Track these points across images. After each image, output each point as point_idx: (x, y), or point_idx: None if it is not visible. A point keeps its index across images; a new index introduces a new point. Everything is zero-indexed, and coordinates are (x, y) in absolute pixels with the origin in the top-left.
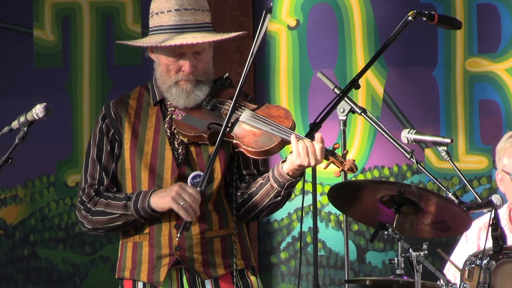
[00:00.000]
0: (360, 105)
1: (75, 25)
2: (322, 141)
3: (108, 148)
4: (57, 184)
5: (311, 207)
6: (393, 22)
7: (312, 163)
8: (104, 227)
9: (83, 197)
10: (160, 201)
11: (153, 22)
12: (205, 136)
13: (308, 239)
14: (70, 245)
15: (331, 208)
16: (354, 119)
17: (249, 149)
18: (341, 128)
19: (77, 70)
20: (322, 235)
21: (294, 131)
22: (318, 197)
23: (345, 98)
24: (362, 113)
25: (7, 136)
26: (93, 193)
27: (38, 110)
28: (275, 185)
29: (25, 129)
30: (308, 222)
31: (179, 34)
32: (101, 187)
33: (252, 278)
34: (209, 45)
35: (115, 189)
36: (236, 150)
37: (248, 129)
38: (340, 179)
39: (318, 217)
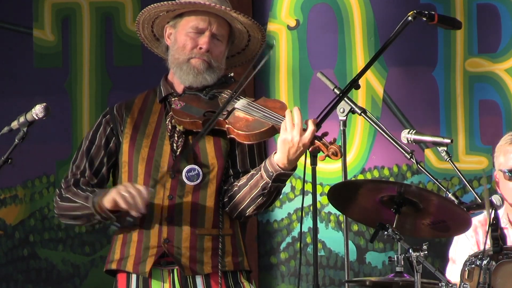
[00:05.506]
0: (360, 105)
1: (75, 25)
2: (314, 125)
3: (102, 141)
4: (56, 184)
5: (311, 208)
6: (393, 22)
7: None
8: (67, 214)
9: (62, 184)
10: (109, 195)
11: None
12: (199, 122)
13: (308, 240)
14: (70, 245)
15: (331, 208)
16: (354, 119)
17: (240, 132)
18: (341, 128)
19: (76, 70)
20: (322, 236)
21: None
22: (318, 197)
23: (345, 98)
24: (362, 113)
25: (7, 136)
26: (71, 183)
27: (37, 110)
28: (264, 175)
29: (24, 129)
30: (308, 222)
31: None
32: (82, 179)
33: (245, 283)
34: (227, 40)
35: (95, 181)
36: (228, 136)
37: (241, 116)
38: (340, 179)
39: (318, 218)
